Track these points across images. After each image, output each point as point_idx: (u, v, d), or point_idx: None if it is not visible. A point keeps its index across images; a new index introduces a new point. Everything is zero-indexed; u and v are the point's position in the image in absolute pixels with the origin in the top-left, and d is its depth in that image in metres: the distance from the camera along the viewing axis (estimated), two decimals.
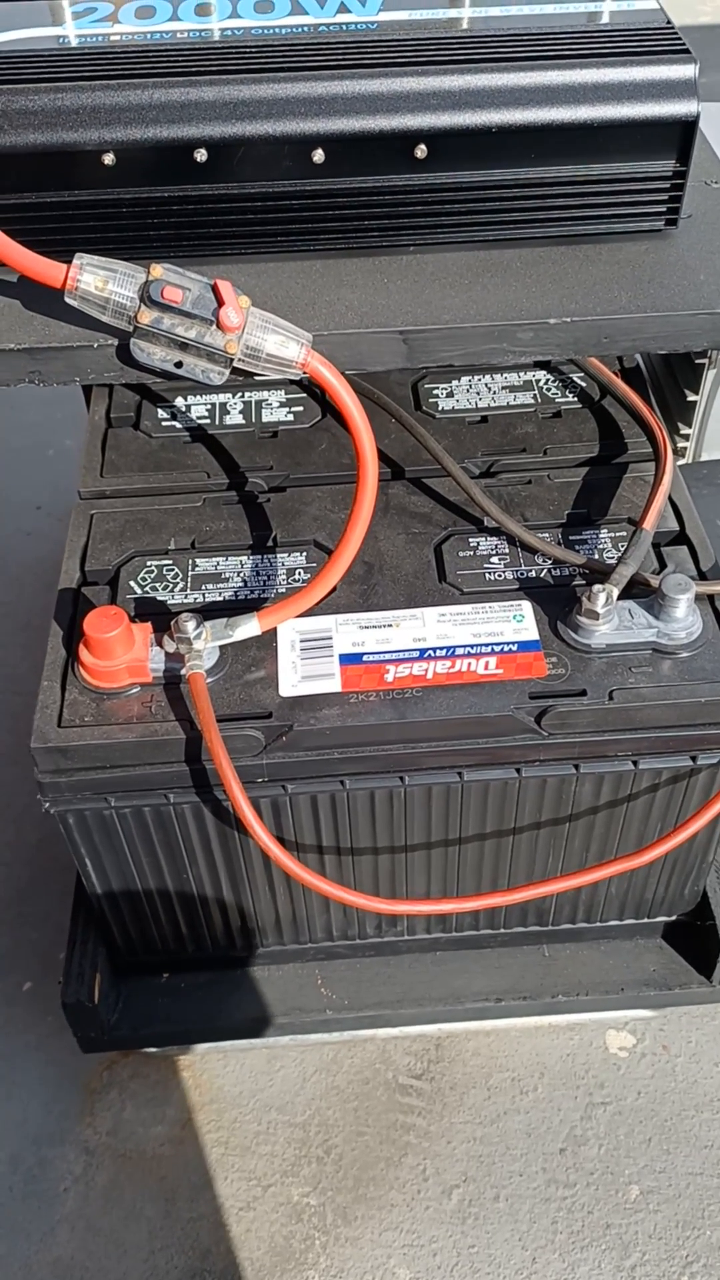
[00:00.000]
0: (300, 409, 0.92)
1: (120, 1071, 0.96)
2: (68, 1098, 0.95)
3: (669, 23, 0.74)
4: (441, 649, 0.75)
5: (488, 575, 0.79)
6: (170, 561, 0.81)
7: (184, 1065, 0.96)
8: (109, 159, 0.68)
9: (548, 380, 0.93)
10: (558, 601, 0.77)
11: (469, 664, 0.74)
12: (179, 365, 0.66)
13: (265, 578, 0.80)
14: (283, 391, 0.93)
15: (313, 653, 0.75)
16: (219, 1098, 0.94)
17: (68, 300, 0.65)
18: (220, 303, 0.64)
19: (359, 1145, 0.92)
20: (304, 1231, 0.87)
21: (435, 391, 0.92)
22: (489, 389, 0.92)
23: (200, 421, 0.91)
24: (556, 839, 0.81)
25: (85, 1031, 0.89)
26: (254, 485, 0.86)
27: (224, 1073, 0.96)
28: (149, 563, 0.81)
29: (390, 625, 0.77)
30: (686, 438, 0.89)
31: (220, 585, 0.79)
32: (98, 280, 0.64)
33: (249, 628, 0.74)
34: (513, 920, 0.90)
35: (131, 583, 0.80)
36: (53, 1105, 0.95)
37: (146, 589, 0.79)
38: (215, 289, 0.64)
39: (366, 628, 0.77)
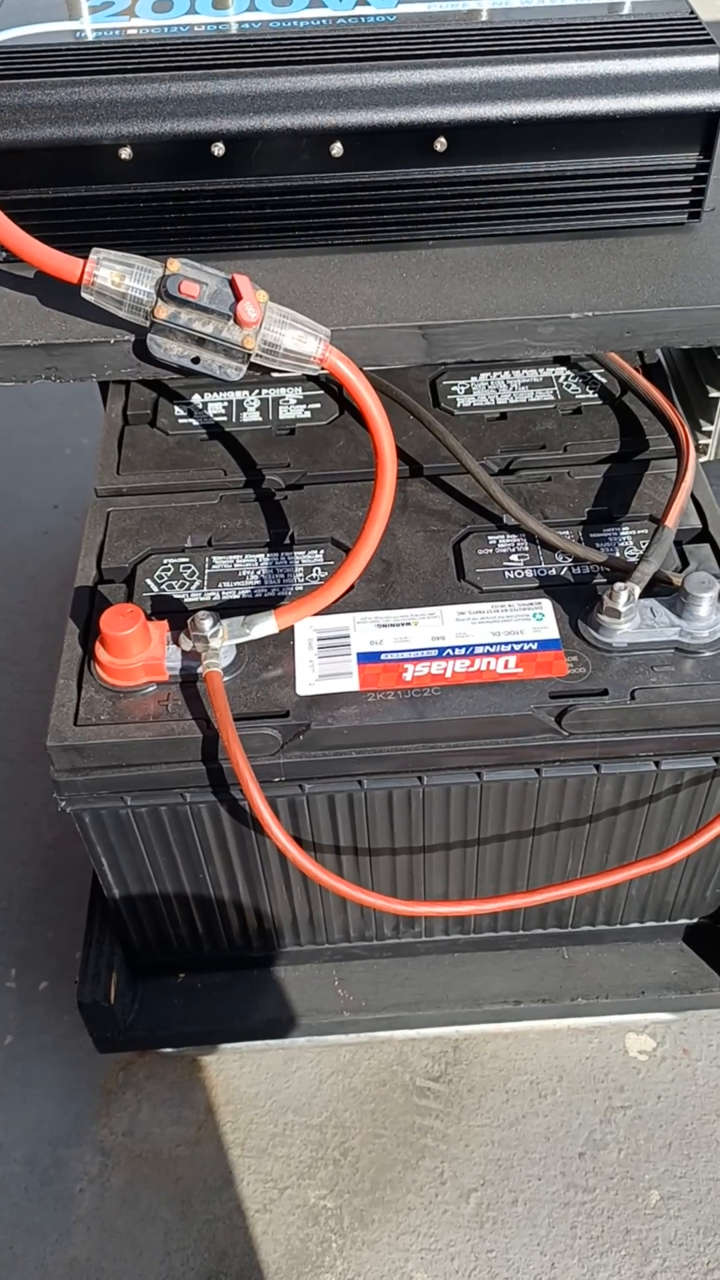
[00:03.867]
0: (318, 406, 0.91)
1: (136, 1072, 0.96)
2: (84, 1098, 0.95)
3: (692, 13, 0.73)
4: (460, 648, 0.74)
5: (507, 573, 0.78)
6: (187, 559, 0.80)
7: (200, 1066, 0.96)
8: (126, 153, 0.68)
9: (567, 376, 0.92)
10: (578, 600, 0.76)
11: (488, 663, 0.73)
12: (196, 361, 0.66)
13: (282, 576, 0.79)
14: (300, 389, 0.92)
15: (330, 651, 0.75)
16: (235, 1099, 0.94)
17: (84, 295, 0.65)
18: (238, 297, 0.63)
19: (376, 1148, 0.91)
20: (320, 1234, 0.87)
21: (454, 388, 0.91)
22: (508, 385, 0.91)
23: (217, 419, 0.90)
24: (577, 840, 0.80)
25: (101, 1032, 0.89)
26: (271, 483, 0.86)
27: (240, 1074, 0.95)
28: (166, 560, 0.81)
29: (408, 624, 0.76)
30: (709, 434, 0.88)
31: (237, 583, 0.79)
32: (114, 275, 0.64)
33: (266, 626, 0.73)
34: (532, 922, 0.89)
35: (148, 580, 0.79)
36: (69, 1105, 0.95)
37: (163, 587, 0.79)
38: (233, 284, 0.64)
39: (384, 626, 0.76)
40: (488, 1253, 0.86)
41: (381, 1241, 0.86)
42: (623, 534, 0.80)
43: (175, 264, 0.64)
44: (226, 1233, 0.87)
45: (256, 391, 0.92)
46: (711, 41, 0.70)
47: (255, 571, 0.79)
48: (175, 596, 0.78)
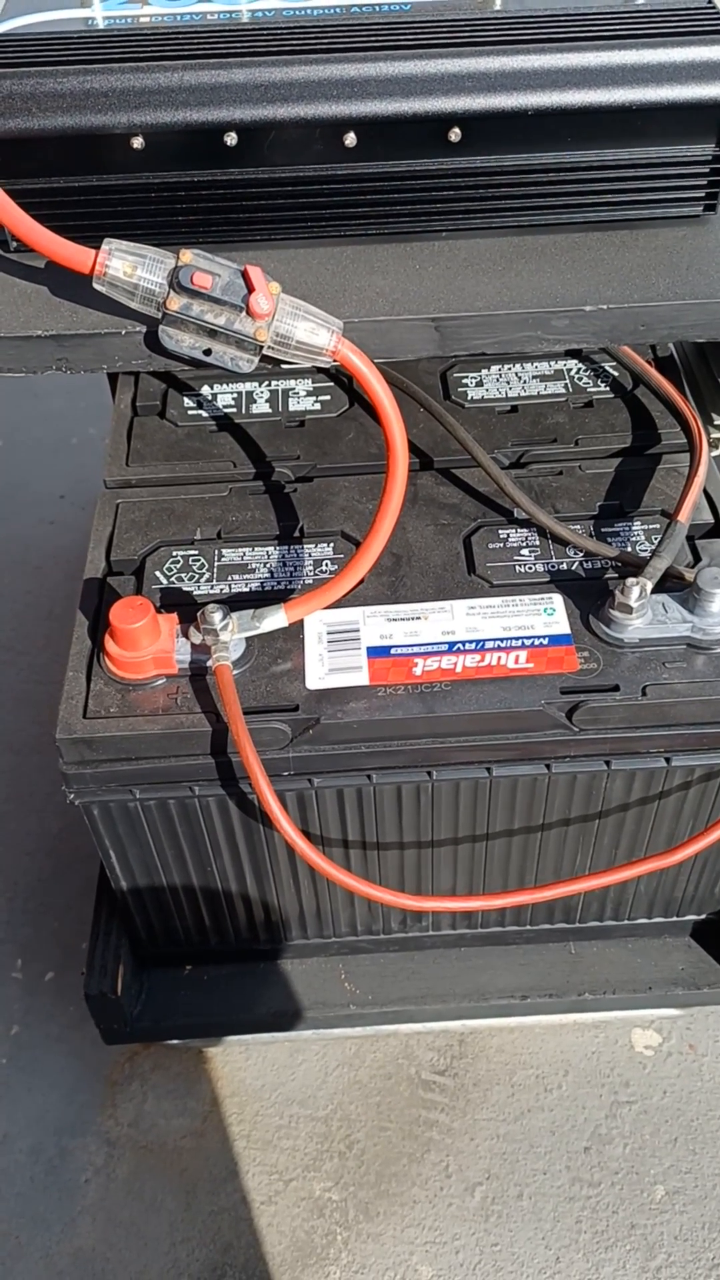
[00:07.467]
0: (327, 398, 0.90)
1: (142, 1063, 0.96)
2: (89, 1089, 0.95)
3: (710, 2, 0.72)
4: (471, 642, 0.74)
5: (518, 567, 0.78)
6: (196, 552, 0.80)
7: (206, 1058, 0.96)
8: (138, 143, 0.67)
9: (579, 369, 0.91)
10: (590, 595, 0.76)
11: (499, 658, 0.73)
12: (208, 353, 0.65)
13: (292, 569, 0.79)
14: (310, 380, 0.92)
15: (340, 645, 0.74)
16: (241, 1091, 0.94)
17: (96, 286, 0.64)
18: (250, 289, 0.63)
19: (381, 1140, 0.91)
20: (326, 1227, 0.87)
21: (464, 381, 0.91)
22: (519, 378, 0.91)
23: (226, 410, 0.90)
24: (586, 836, 0.80)
25: (108, 1023, 0.89)
26: (281, 475, 0.85)
27: (246, 1066, 0.95)
28: (175, 553, 0.80)
29: (419, 618, 0.76)
30: None
31: (247, 576, 0.78)
32: (126, 266, 0.63)
33: (276, 619, 0.73)
34: (539, 917, 0.89)
35: (157, 573, 0.79)
36: (74, 1096, 0.95)
37: (172, 579, 0.79)
38: (245, 275, 0.63)
39: (394, 620, 0.76)
40: (492, 1246, 0.86)
41: (386, 1234, 0.87)
42: (634, 528, 0.80)
43: (188, 255, 0.63)
44: (231, 1224, 0.88)
45: (266, 383, 0.92)
46: None
47: (265, 564, 0.79)
48: (185, 589, 0.78)
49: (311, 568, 0.79)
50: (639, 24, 0.70)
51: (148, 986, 0.92)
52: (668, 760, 0.74)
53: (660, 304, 0.68)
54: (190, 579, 0.78)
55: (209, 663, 0.72)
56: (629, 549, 0.78)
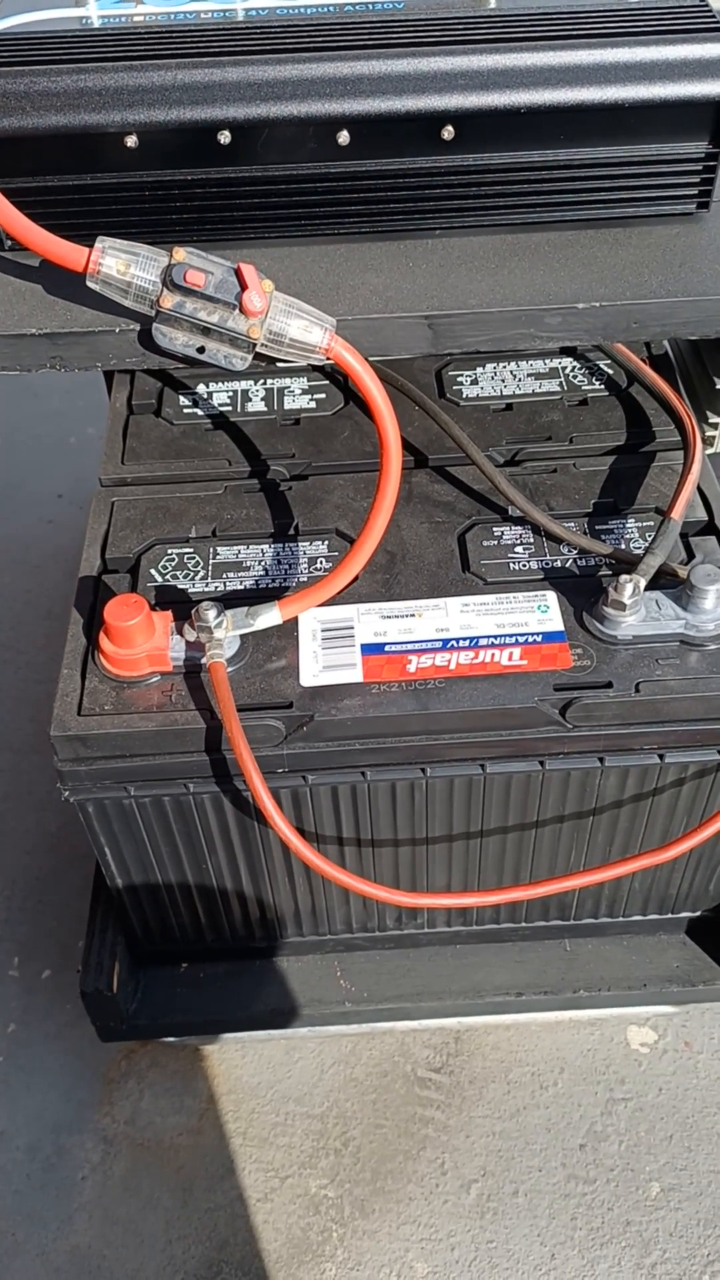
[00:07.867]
0: (323, 396, 0.91)
1: (138, 1061, 0.96)
2: (86, 1086, 0.95)
3: (702, 0, 0.72)
4: (465, 639, 0.74)
5: (512, 565, 0.78)
6: (191, 549, 0.80)
7: (202, 1055, 0.96)
8: (131, 141, 0.67)
9: (574, 367, 0.91)
10: (583, 592, 0.76)
11: (492, 655, 0.73)
12: (201, 350, 0.66)
13: (287, 566, 0.79)
14: (305, 379, 0.92)
15: (334, 642, 0.75)
16: (237, 1088, 0.94)
17: (89, 284, 0.65)
18: (243, 287, 0.63)
19: (377, 1138, 0.91)
20: (321, 1223, 0.87)
21: (459, 379, 0.91)
22: (514, 376, 0.91)
23: (222, 409, 0.90)
24: (580, 833, 0.80)
25: (104, 1020, 0.89)
26: (276, 473, 0.85)
27: (242, 1063, 0.95)
28: (170, 551, 0.80)
29: (413, 615, 0.76)
30: (715, 426, 0.88)
31: (241, 574, 0.79)
32: (120, 264, 0.63)
33: (270, 617, 0.73)
34: (534, 914, 0.89)
35: (152, 571, 0.79)
36: (71, 1094, 0.95)
37: (167, 577, 0.79)
38: (238, 273, 0.63)
39: (389, 617, 0.76)
40: (488, 1243, 0.86)
41: (382, 1231, 0.87)
42: (628, 526, 0.80)
43: (181, 253, 0.63)
44: (228, 1221, 0.88)
45: (261, 381, 0.92)
46: None
47: (259, 562, 0.79)
48: (179, 587, 0.78)
49: (306, 565, 0.79)
50: (633, 22, 0.70)
51: (144, 984, 0.92)
52: (661, 757, 0.74)
53: (653, 301, 0.68)
54: (185, 577, 0.79)
55: (203, 660, 0.72)
56: (623, 546, 0.78)
